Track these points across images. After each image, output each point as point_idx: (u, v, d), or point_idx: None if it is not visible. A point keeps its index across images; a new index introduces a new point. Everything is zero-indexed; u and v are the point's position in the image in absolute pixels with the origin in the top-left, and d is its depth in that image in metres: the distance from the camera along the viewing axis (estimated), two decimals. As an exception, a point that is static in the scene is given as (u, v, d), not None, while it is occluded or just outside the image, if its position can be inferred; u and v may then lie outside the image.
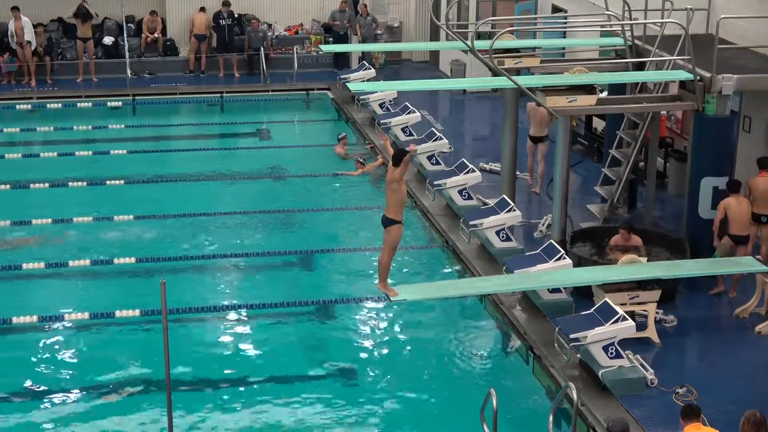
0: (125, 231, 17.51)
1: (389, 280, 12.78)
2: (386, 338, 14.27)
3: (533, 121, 18.53)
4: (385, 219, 12.32)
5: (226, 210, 18.32)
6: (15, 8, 25.24)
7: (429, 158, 18.92)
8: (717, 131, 14.81)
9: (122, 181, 19.67)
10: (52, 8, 26.81)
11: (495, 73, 15.02)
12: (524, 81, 15.11)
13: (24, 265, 15.96)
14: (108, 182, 19.56)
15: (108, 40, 26.66)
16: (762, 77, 14.95)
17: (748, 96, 16.38)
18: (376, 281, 12.88)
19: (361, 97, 23.06)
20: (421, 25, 28.32)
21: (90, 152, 21.50)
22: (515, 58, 16.83)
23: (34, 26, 25.60)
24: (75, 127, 23.28)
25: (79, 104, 24.69)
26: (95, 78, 25.93)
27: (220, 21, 26.43)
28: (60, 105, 24.64)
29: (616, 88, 16.97)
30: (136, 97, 25.03)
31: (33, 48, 25.34)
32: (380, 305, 14.78)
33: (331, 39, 27.21)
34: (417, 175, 19.17)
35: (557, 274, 13.39)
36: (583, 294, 13.82)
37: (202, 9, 26.44)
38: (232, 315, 14.73)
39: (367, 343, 14.12)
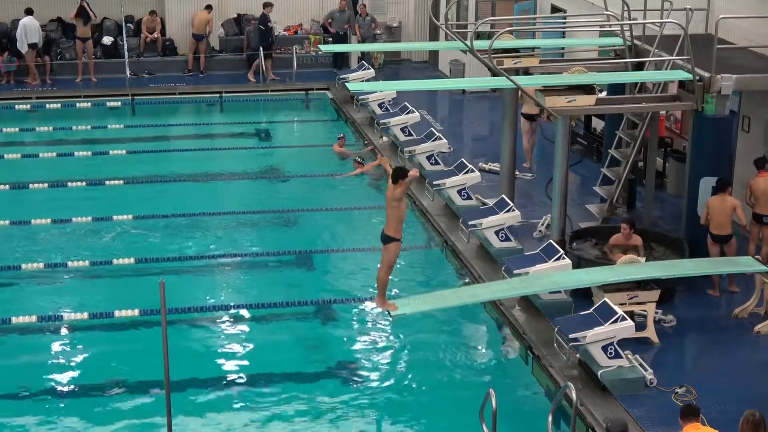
0: (124, 231, 17.50)
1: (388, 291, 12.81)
2: (385, 338, 14.27)
3: (525, 99, 18.56)
4: (385, 236, 12.34)
5: (226, 210, 18.32)
6: (28, 10, 25.33)
7: (428, 158, 18.92)
8: (716, 131, 14.79)
9: (121, 181, 19.66)
10: (52, 8, 26.79)
11: (494, 73, 15.01)
12: (523, 81, 15.11)
13: (23, 266, 15.95)
14: (107, 182, 19.55)
15: (107, 40, 26.64)
16: (761, 77, 14.93)
17: (747, 96, 16.37)
18: (376, 284, 12.86)
19: (360, 97, 23.05)
20: (421, 25, 28.31)
21: (89, 152, 21.48)
22: (514, 58, 16.83)
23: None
24: (74, 127, 23.29)
25: (78, 104, 24.67)
26: (94, 78, 25.90)
27: (268, 24, 26.02)
28: (59, 105, 24.62)
29: (616, 88, 16.97)
30: (135, 97, 25.01)
31: (25, 51, 25.25)
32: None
33: (331, 39, 27.19)
34: (416, 175, 19.17)
35: (557, 276, 13.36)
36: (582, 294, 13.80)
37: (209, 7, 26.31)
38: (232, 315, 14.73)
39: (367, 343, 14.12)
